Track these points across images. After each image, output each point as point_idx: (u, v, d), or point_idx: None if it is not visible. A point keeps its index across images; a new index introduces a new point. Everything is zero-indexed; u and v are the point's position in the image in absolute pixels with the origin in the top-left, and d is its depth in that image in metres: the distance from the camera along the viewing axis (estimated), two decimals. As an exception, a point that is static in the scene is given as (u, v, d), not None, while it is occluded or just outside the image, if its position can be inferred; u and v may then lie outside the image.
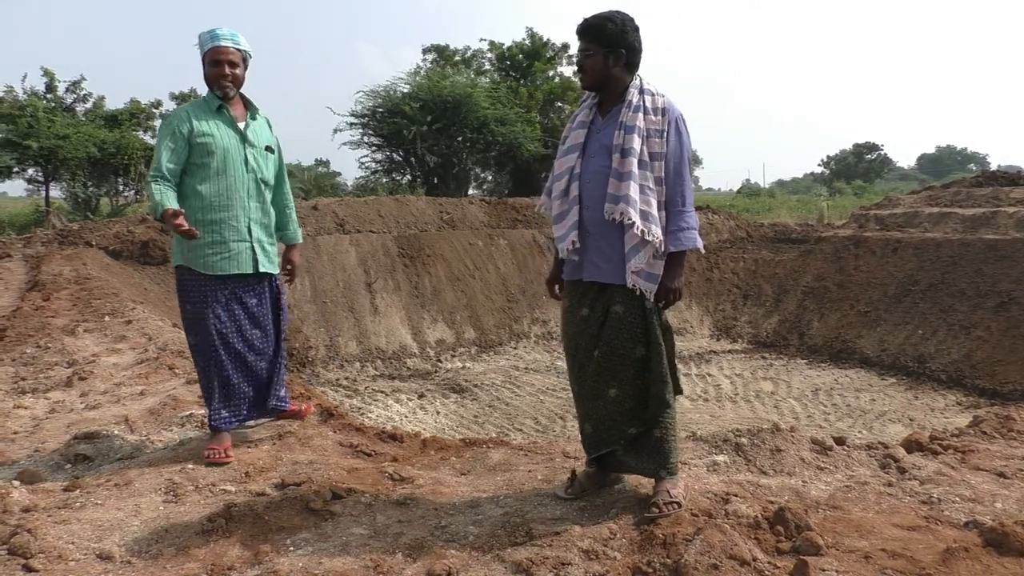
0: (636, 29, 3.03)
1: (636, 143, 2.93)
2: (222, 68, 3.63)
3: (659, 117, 3.00)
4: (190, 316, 3.71)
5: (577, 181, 3.06)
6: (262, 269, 3.77)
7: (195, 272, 3.64)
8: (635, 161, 2.92)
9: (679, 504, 2.96)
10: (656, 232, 2.93)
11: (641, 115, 2.98)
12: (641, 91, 3.04)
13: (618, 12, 3.03)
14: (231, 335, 3.75)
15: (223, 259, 3.64)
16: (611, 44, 2.99)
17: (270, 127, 3.98)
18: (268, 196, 3.85)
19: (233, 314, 3.75)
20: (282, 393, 4.13)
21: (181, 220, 3.31)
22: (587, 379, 3.13)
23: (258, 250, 3.75)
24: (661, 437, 3.07)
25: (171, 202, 3.40)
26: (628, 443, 3.12)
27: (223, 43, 3.61)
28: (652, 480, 3.12)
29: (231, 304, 3.75)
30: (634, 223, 2.89)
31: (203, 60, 3.66)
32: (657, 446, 3.07)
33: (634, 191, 2.91)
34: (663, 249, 2.97)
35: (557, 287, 3.35)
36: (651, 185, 2.95)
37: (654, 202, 2.95)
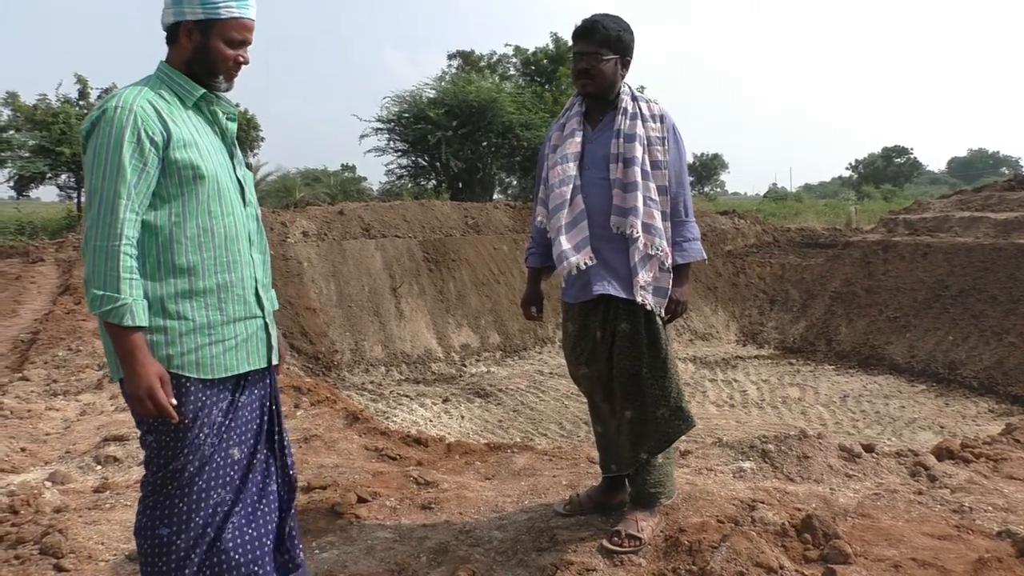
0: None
1: (638, 152, 2.78)
2: (243, 50, 2.17)
3: (658, 124, 2.85)
4: (165, 441, 2.05)
5: (580, 194, 2.84)
6: (275, 360, 2.31)
7: (182, 378, 2.03)
8: (639, 171, 2.77)
9: (641, 541, 2.78)
10: (660, 244, 2.79)
11: (640, 122, 2.82)
12: (633, 98, 2.88)
13: (620, 17, 2.85)
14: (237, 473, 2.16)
15: (228, 350, 2.12)
16: (623, 51, 2.83)
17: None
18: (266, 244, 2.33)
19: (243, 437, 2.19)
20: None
21: (161, 396, 1.95)
22: (606, 401, 2.97)
23: (271, 329, 2.28)
24: (660, 464, 2.93)
25: (142, 317, 1.93)
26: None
27: (250, 13, 2.15)
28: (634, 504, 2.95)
29: (235, 422, 2.17)
30: (638, 236, 2.76)
31: (202, 29, 2.08)
32: (651, 471, 2.91)
33: (640, 202, 2.76)
34: (669, 262, 2.83)
35: (534, 308, 3.16)
36: (653, 196, 2.80)
37: (657, 213, 2.79)
